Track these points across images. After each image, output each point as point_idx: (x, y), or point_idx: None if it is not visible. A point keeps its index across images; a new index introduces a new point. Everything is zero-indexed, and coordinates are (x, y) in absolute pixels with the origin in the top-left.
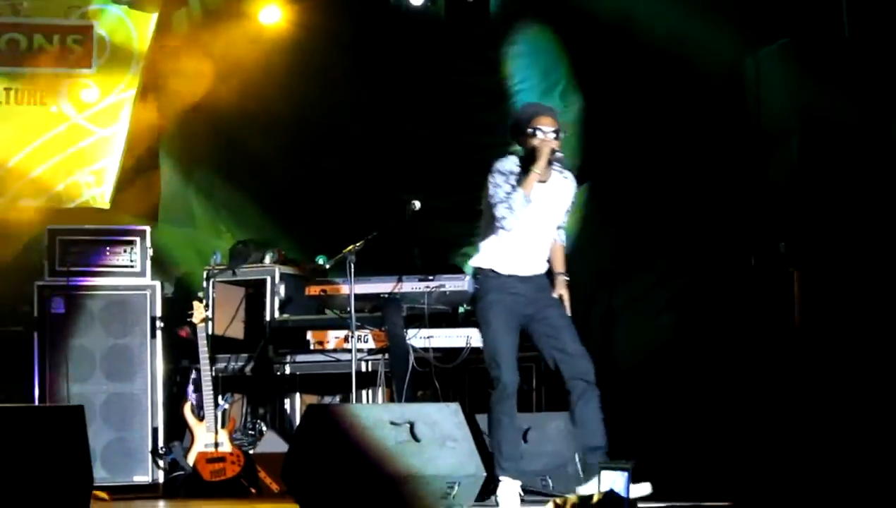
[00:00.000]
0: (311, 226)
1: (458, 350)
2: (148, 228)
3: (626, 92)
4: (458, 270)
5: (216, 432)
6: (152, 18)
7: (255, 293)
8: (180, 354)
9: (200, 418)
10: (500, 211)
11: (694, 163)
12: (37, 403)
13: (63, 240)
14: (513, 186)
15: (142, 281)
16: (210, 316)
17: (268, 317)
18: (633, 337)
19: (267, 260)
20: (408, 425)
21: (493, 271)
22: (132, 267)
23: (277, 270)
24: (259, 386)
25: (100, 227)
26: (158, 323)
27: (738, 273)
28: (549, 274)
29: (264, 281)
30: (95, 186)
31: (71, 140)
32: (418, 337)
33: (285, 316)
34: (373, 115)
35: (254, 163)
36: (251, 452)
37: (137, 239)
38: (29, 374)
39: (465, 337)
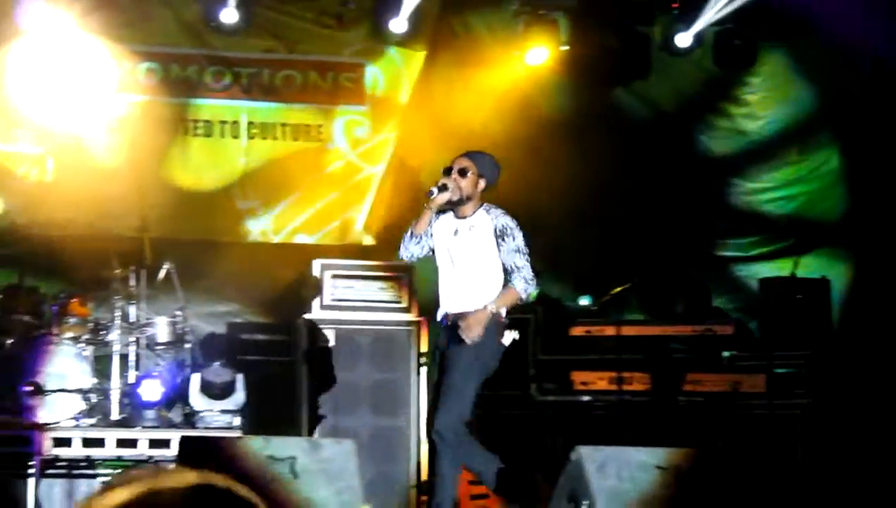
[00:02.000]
0: (575, 266)
1: (724, 394)
2: (415, 265)
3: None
4: (724, 314)
5: None
6: (421, 57)
7: (518, 332)
8: None
9: None
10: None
11: None
12: (305, 435)
13: (333, 274)
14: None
15: (408, 317)
16: None
17: (531, 356)
18: None
19: (530, 298)
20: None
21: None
22: (399, 303)
23: (541, 309)
24: (521, 424)
25: (368, 263)
26: (423, 359)
27: None
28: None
29: (528, 319)
30: (359, 223)
31: (346, 177)
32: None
33: (548, 355)
34: (639, 157)
35: (517, 202)
36: None
37: (405, 275)
38: (297, 406)
39: (731, 383)
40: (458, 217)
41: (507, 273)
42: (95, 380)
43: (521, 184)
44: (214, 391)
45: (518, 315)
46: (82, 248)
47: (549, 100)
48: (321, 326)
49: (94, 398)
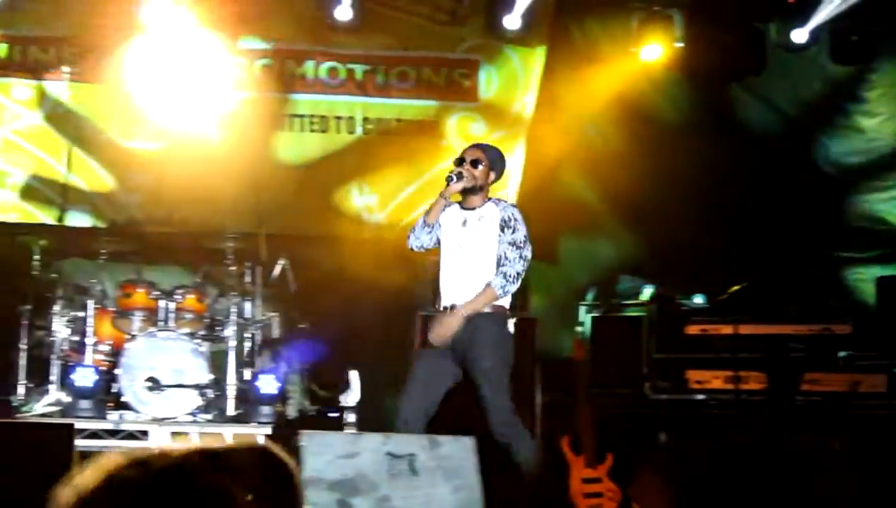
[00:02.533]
0: (688, 265)
1: (843, 394)
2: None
3: None
4: (842, 313)
5: (594, 467)
6: (538, 54)
7: (632, 329)
8: (557, 387)
9: (578, 452)
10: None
11: None
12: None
13: None
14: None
15: (521, 314)
16: (589, 350)
17: (644, 355)
18: None
19: (645, 296)
20: None
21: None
22: (513, 299)
23: (655, 307)
24: (634, 422)
25: None
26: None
27: None
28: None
29: (641, 317)
30: None
31: None
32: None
33: (662, 353)
34: (756, 154)
35: (632, 199)
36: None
37: None
38: None
39: (850, 382)
40: (466, 208)
41: (497, 264)
42: (212, 376)
43: (636, 181)
44: (330, 387)
45: (632, 313)
46: (198, 244)
47: (664, 96)
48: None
49: (210, 393)
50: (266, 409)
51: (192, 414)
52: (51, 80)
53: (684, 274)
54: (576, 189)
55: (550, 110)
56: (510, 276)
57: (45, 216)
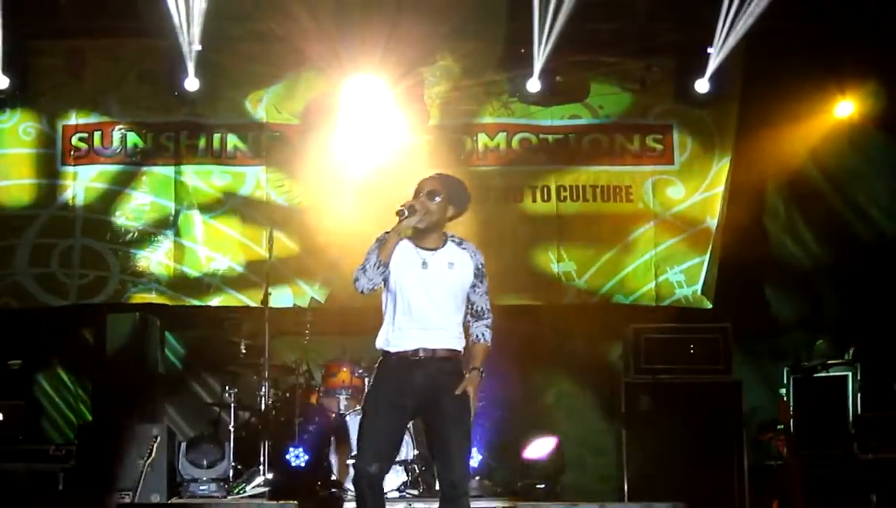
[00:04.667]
0: (889, 322)
1: None
2: (729, 325)
3: None
4: None
5: None
6: (731, 115)
7: (837, 388)
8: (763, 449)
9: None
10: (354, 272)
11: None
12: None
13: (647, 338)
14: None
15: (726, 378)
16: (791, 412)
17: (851, 414)
18: None
19: (848, 355)
20: None
21: (384, 352)
22: (716, 363)
23: (860, 365)
24: (843, 484)
25: (683, 325)
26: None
27: None
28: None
29: (846, 377)
30: (687, 285)
31: (660, 237)
32: None
33: (871, 412)
34: None
35: (834, 256)
36: None
37: (719, 336)
38: (619, 470)
39: None
40: (421, 247)
41: (475, 314)
42: (417, 451)
43: (832, 239)
44: (538, 462)
45: (837, 373)
46: None
47: (857, 152)
48: (638, 390)
49: (417, 469)
50: (473, 483)
51: (399, 489)
52: (248, 165)
53: (886, 332)
54: (778, 246)
55: (747, 168)
56: (491, 326)
57: (249, 299)
